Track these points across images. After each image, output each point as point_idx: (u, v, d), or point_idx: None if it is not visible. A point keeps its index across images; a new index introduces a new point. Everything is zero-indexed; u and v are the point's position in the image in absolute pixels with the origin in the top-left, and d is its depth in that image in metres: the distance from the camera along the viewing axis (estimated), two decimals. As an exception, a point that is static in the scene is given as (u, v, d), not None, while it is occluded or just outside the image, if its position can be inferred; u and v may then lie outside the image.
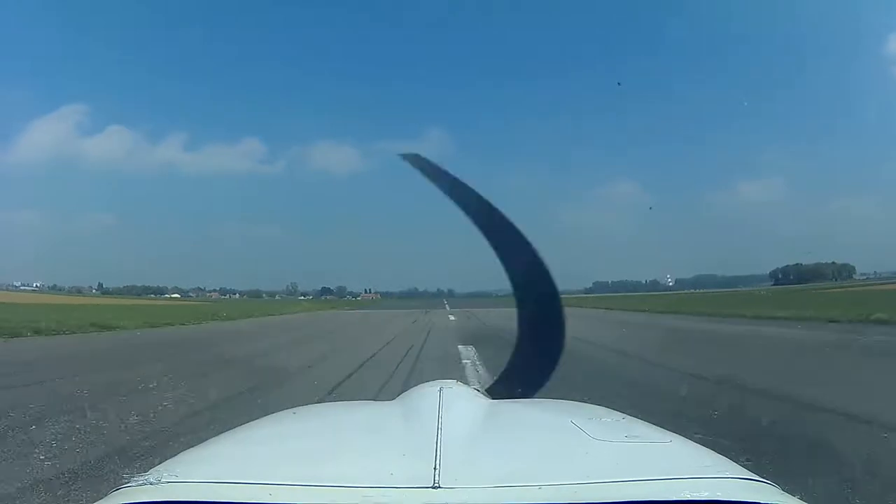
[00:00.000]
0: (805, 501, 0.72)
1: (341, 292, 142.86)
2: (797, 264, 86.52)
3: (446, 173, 1.45)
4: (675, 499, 0.64)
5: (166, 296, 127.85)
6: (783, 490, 0.73)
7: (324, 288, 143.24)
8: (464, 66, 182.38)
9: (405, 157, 1.49)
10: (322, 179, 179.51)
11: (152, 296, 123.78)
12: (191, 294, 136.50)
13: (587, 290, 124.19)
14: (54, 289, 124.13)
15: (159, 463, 0.80)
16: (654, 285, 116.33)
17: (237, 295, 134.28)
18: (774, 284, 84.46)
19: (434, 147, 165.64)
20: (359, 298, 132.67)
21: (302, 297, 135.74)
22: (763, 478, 0.74)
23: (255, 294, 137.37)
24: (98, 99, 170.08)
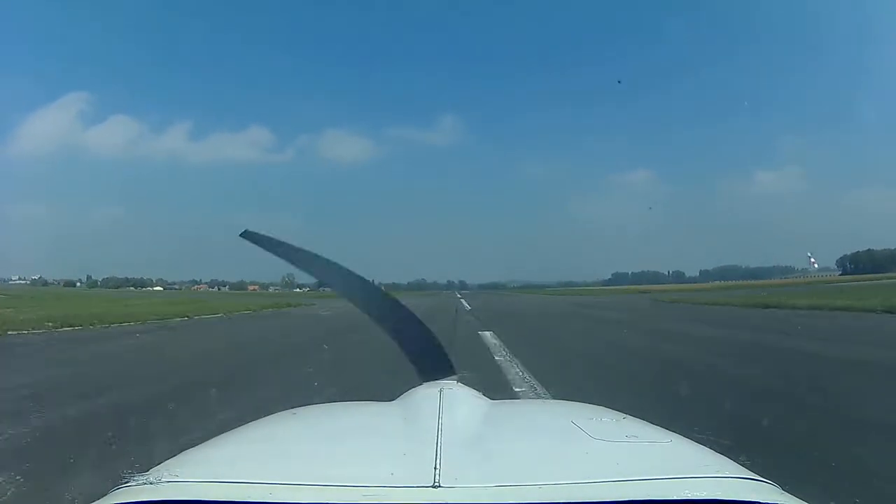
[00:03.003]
0: (805, 501, 0.73)
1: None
2: (869, 250, 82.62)
3: (283, 243, 1.57)
4: (675, 498, 0.65)
5: (148, 288, 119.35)
6: (783, 489, 0.74)
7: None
8: (478, 54, 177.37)
9: (243, 235, 1.59)
10: (328, 168, 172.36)
11: (132, 288, 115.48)
12: (175, 286, 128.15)
13: (606, 282, 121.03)
14: (38, 281, 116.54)
15: (159, 463, 0.81)
16: (678, 276, 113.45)
17: (227, 287, 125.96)
18: (843, 273, 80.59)
19: (447, 135, 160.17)
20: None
21: (298, 289, 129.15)
22: (763, 477, 0.75)
23: (240, 286, 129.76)
24: (100, 88, 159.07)
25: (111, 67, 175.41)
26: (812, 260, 74.15)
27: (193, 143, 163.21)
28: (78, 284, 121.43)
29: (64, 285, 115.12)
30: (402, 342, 1.48)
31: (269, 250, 1.55)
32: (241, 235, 1.57)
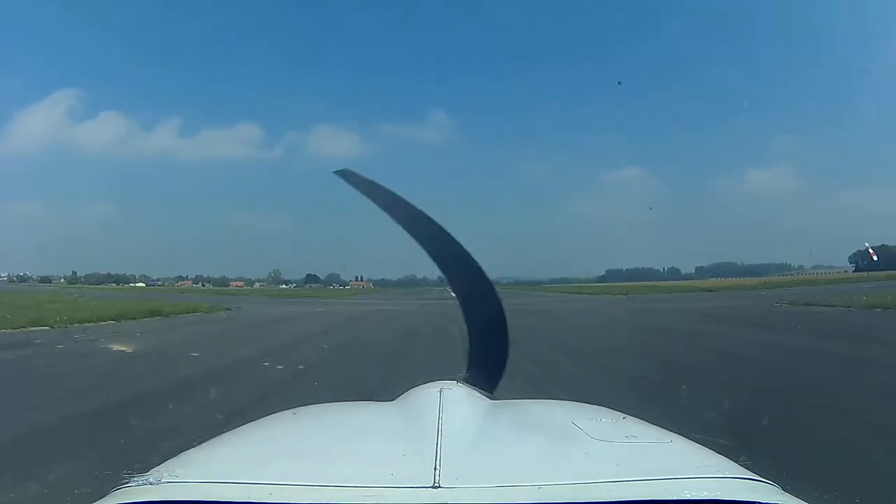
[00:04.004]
0: (805, 501, 0.74)
1: (331, 280, 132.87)
2: (882, 246, 79.27)
3: (381, 187, 1.53)
4: (675, 499, 0.66)
5: (131, 284, 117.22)
6: (783, 490, 0.75)
7: (309, 275, 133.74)
8: (470, 51, 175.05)
9: (338, 173, 1.56)
10: (317, 164, 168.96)
11: (114, 284, 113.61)
12: (158, 282, 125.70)
13: (599, 279, 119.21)
14: (22, 278, 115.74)
15: (159, 463, 0.82)
16: (674, 273, 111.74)
17: (210, 283, 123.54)
18: (857, 270, 77.88)
19: (437, 132, 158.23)
20: (347, 287, 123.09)
21: (284, 286, 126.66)
22: (763, 477, 0.76)
23: (222, 282, 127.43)
24: (89, 85, 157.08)
25: (101, 64, 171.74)
26: (871, 252, 68.26)
27: (183, 139, 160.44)
28: (62, 280, 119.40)
29: (40, 281, 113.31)
30: (474, 339, 1.44)
31: (363, 192, 1.50)
32: (335, 172, 1.53)
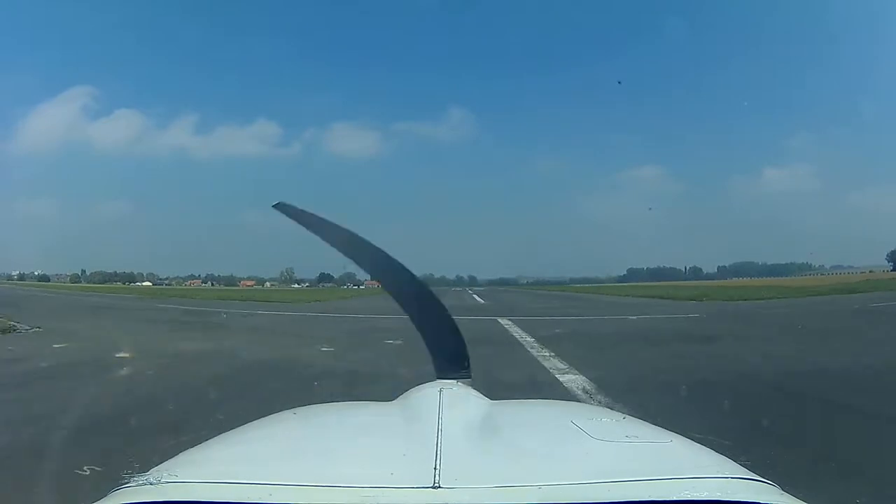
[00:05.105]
0: (805, 501, 0.74)
1: (345, 279, 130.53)
2: None
3: (314, 216, 1.65)
4: (675, 499, 0.66)
5: (137, 283, 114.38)
6: (783, 490, 0.76)
7: (322, 274, 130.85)
8: (489, 50, 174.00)
9: (276, 206, 1.66)
10: (332, 161, 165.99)
11: (119, 283, 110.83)
12: (165, 281, 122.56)
13: (621, 279, 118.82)
14: (26, 276, 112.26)
15: (159, 463, 0.82)
16: (696, 272, 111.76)
17: (220, 283, 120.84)
18: (894, 269, 78.01)
19: (457, 130, 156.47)
20: (362, 287, 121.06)
21: (297, 285, 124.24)
22: (763, 477, 0.77)
23: (231, 281, 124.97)
24: (104, 83, 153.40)
25: (113, 61, 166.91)
26: None
27: (197, 137, 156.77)
28: (69, 278, 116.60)
29: (38, 279, 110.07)
30: (426, 332, 1.51)
31: (300, 223, 1.60)
32: (273, 206, 1.63)
